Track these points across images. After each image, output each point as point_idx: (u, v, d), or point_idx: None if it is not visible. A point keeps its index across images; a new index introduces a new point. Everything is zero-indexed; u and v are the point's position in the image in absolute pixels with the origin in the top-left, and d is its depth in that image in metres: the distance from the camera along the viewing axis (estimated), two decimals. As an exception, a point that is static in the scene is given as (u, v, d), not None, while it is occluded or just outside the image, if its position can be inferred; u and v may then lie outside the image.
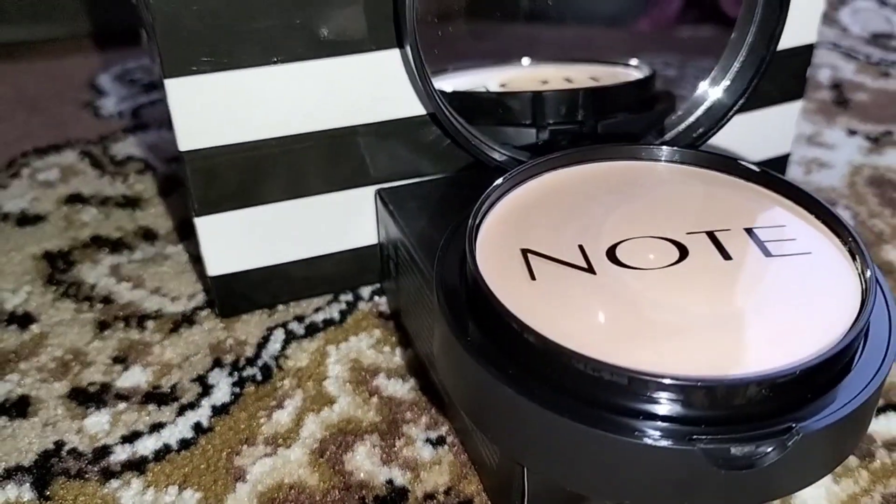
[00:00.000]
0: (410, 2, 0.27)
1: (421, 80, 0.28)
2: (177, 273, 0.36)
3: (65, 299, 0.34)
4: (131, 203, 0.40)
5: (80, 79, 0.52)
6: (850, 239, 0.23)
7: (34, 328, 0.33)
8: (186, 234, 0.38)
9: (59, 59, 0.55)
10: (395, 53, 0.29)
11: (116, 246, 0.38)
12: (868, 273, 0.22)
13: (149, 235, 0.38)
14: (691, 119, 0.30)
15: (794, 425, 0.19)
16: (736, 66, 0.30)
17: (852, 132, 0.46)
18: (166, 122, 0.46)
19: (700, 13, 0.34)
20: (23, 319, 0.33)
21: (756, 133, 0.37)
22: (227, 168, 0.29)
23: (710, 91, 0.31)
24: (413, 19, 0.27)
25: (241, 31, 0.27)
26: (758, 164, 0.33)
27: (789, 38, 0.35)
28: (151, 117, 0.48)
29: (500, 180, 0.27)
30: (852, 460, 0.27)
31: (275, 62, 0.28)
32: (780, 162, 0.39)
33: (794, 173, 0.42)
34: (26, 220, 0.39)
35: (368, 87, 0.30)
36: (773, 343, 0.21)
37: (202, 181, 0.29)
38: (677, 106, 0.32)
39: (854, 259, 0.23)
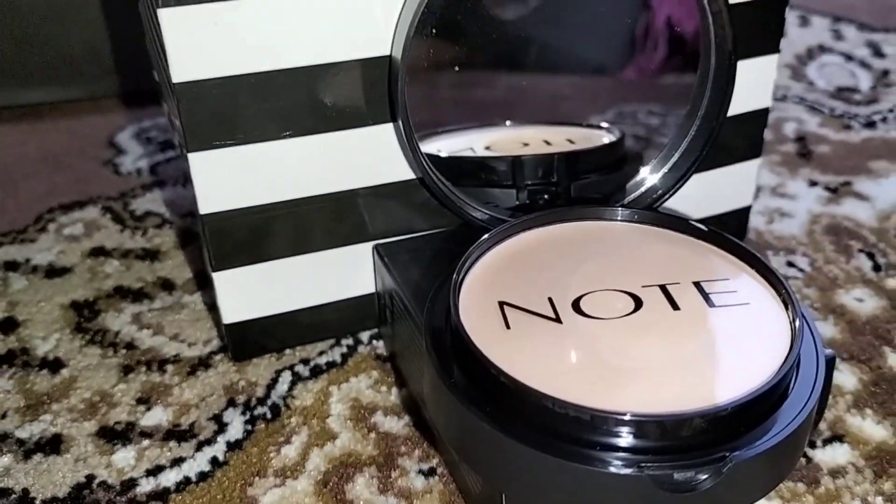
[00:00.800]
0: (402, 85, 0.31)
1: (411, 151, 0.32)
2: (193, 320, 0.39)
3: (91, 345, 0.38)
4: (150, 255, 0.44)
5: (100, 137, 0.56)
6: (783, 291, 0.27)
7: (64, 372, 0.36)
8: (202, 285, 0.42)
9: (80, 118, 0.59)
10: (389, 127, 0.33)
11: (137, 296, 0.41)
12: (797, 322, 0.25)
13: (167, 285, 0.42)
14: (653, 182, 0.34)
15: (727, 454, 0.23)
16: (691, 133, 0.33)
17: (813, 183, 0.49)
18: (181, 179, 0.50)
19: (682, 62, 0.37)
20: (53, 364, 0.37)
21: (718, 188, 0.41)
22: (242, 228, 0.33)
23: (669, 157, 0.34)
24: (404, 100, 0.31)
25: (257, 111, 0.31)
26: (720, 215, 0.37)
27: (746, 104, 0.39)
28: (167, 174, 0.51)
29: (483, 237, 0.30)
30: (800, 486, 0.30)
31: (286, 136, 0.32)
32: (743, 213, 0.43)
33: (756, 223, 0.45)
34: (54, 271, 0.43)
35: (367, 155, 0.33)
36: (715, 383, 0.25)
37: (219, 240, 0.33)
38: (642, 167, 0.36)
39: (787, 308, 0.27)
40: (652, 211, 0.31)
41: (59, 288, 0.42)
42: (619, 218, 0.31)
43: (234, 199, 0.32)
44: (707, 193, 0.40)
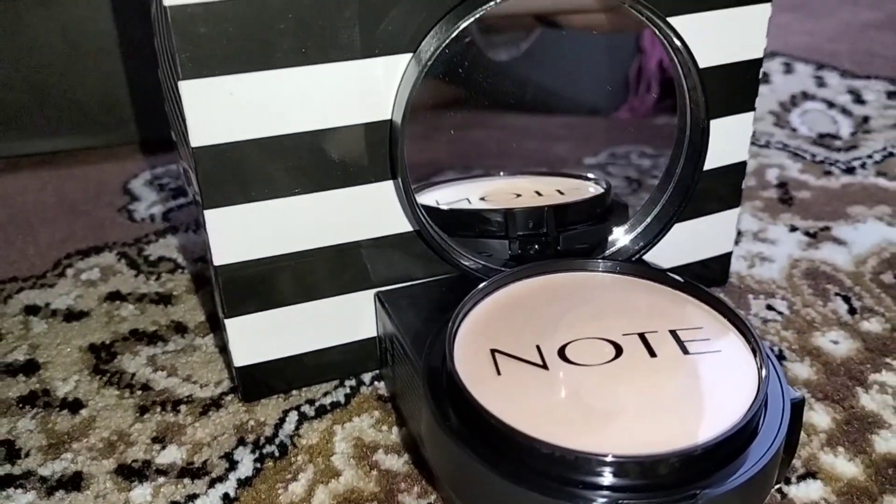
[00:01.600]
0: (401, 147, 0.33)
1: (409, 206, 0.34)
2: (205, 362, 0.42)
3: (109, 387, 0.40)
4: (164, 299, 0.46)
5: (114, 184, 0.59)
6: (751, 339, 0.29)
7: (83, 413, 0.39)
8: (213, 328, 0.44)
9: (95, 165, 0.62)
10: (389, 183, 0.36)
11: (152, 338, 0.43)
12: (763, 372, 0.28)
13: (180, 328, 0.44)
14: (633, 236, 0.37)
15: (699, 491, 0.25)
16: (667, 193, 0.36)
17: (794, 228, 0.52)
18: (193, 225, 0.53)
19: (671, 106, 0.40)
20: (73, 405, 0.39)
21: (700, 236, 0.43)
22: (253, 278, 0.36)
23: (647, 213, 0.37)
24: (403, 160, 0.34)
25: (269, 171, 0.33)
26: (704, 261, 0.39)
27: (724, 158, 0.42)
28: (179, 220, 0.54)
29: (477, 288, 0.33)
30: (774, 520, 0.32)
31: (295, 193, 0.34)
32: (724, 259, 0.45)
33: (738, 267, 0.48)
34: (72, 315, 0.45)
35: (369, 209, 0.36)
36: (688, 426, 0.27)
37: (231, 289, 0.36)
38: (623, 224, 0.39)
39: (755, 356, 0.29)
40: (632, 263, 0.33)
41: (78, 331, 0.44)
42: (601, 269, 0.33)
43: (246, 251, 0.35)
44: (690, 241, 0.43)
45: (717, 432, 0.26)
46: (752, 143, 0.64)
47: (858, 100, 0.71)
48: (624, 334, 0.30)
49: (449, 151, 0.40)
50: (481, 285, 0.32)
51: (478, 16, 0.31)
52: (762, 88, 0.74)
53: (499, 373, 0.28)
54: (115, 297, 0.47)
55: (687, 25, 0.37)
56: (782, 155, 0.62)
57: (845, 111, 0.69)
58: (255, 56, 0.31)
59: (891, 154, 0.61)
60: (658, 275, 0.33)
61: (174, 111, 0.36)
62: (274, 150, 0.33)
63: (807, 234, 0.51)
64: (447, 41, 0.31)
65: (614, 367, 0.29)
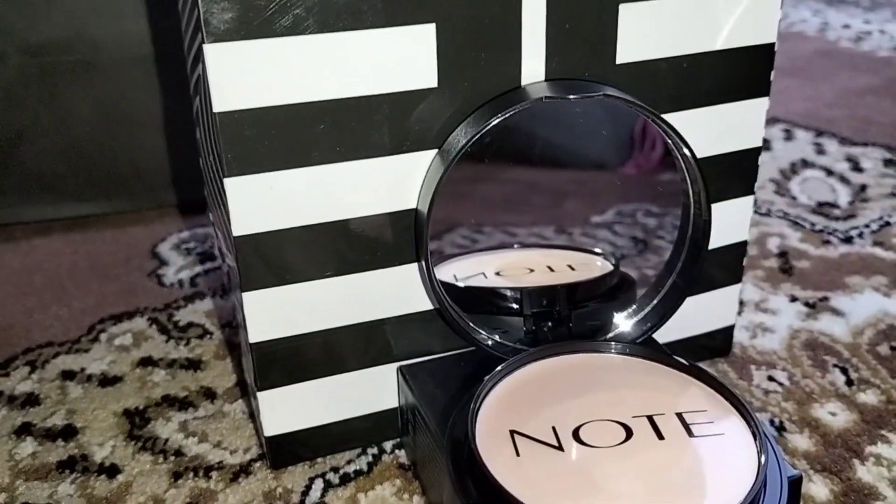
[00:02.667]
0: (426, 235, 0.36)
1: (431, 287, 0.37)
2: (234, 429, 0.44)
3: (144, 452, 0.42)
4: (194, 365, 0.49)
5: (143, 248, 0.62)
6: (752, 423, 0.31)
7: (120, 478, 0.41)
8: (240, 394, 0.46)
9: (123, 229, 0.65)
10: (413, 266, 0.38)
11: (183, 404, 0.46)
12: (763, 458, 0.30)
13: (209, 394, 0.46)
14: (640, 317, 0.39)
15: (703, 569, 0.27)
16: (671, 280, 0.39)
17: (794, 298, 0.54)
18: (219, 291, 0.55)
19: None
20: (110, 470, 0.41)
21: (704, 310, 0.46)
22: (284, 354, 0.38)
23: (654, 296, 0.40)
24: (426, 246, 0.36)
25: (303, 256, 0.36)
26: (708, 333, 0.41)
27: (725, 238, 0.44)
28: (207, 286, 0.57)
29: (497, 369, 0.35)
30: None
31: (327, 276, 0.37)
32: (727, 331, 0.48)
33: (740, 337, 0.50)
34: (107, 380, 0.48)
35: (394, 289, 0.39)
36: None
37: (264, 364, 0.38)
38: (627, 308, 0.41)
39: (755, 439, 0.31)
40: (641, 345, 0.36)
41: (113, 396, 0.47)
42: (613, 351, 0.36)
43: (279, 329, 0.37)
44: (694, 315, 0.45)
45: (722, 512, 0.28)
46: (754, 212, 0.66)
47: (856, 167, 0.74)
48: (634, 416, 0.32)
49: (465, 227, 0.42)
50: (500, 367, 0.35)
51: (501, 119, 0.34)
52: (763, 156, 0.77)
53: (517, 453, 0.31)
54: (147, 362, 0.49)
55: (690, 119, 0.40)
56: (783, 223, 0.64)
57: (843, 179, 0.72)
58: (295, 155, 0.34)
59: (887, 223, 0.64)
60: (665, 358, 0.35)
61: (213, 189, 0.39)
62: (309, 238, 0.36)
63: (806, 304, 0.54)
64: (472, 141, 0.34)
65: (625, 448, 0.31)
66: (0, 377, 0.48)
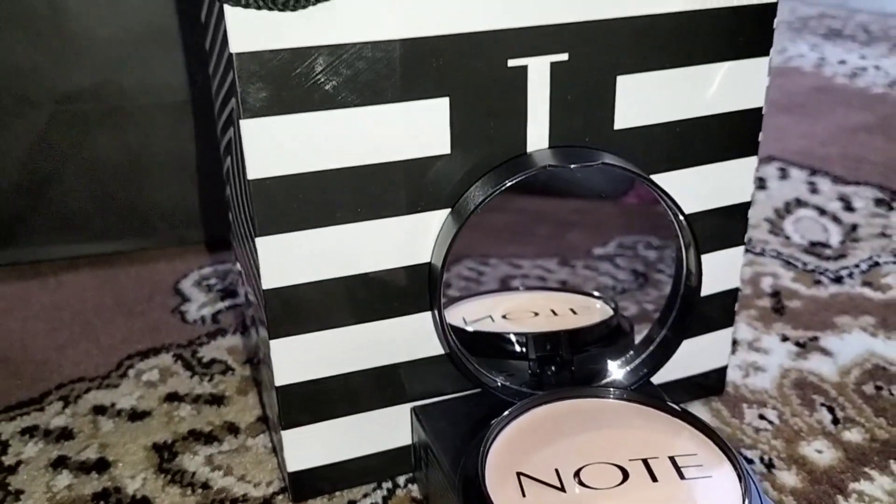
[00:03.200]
0: (440, 288, 0.39)
1: (442, 334, 0.40)
2: (256, 462, 0.47)
3: (173, 485, 0.45)
4: (217, 400, 0.52)
5: (166, 284, 0.65)
6: (738, 467, 0.34)
7: (151, 509, 0.44)
8: (261, 429, 0.49)
9: (146, 265, 0.68)
10: (427, 314, 0.41)
11: (208, 438, 0.49)
12: (747, 501, 0.33)
13: (233, 429, 0.49)
14: (636, 363, 0.42)
15: None
16: (662, 334, 0.42)
17: (785, 338, 0.57)
18: (240, 328, 0.58)
19: None
20: (142, 502, 0.44)
21: (698, 352, 0.48)
22: (307, 395, 0.41)
23: (647, 346, 0.43)
24: (440, 297, 0.39)
25: (326, 307, 0.39)
26: (703, 373, 0.44)
27: (717, 285, 0.47)
28: (227, 322, 0.60)
29: (504, 413, 0.38)
30: None
31: (346, 324, 0.40)
32: (721, 371, 0.51)
33: (734, 376, 0.53)
34: (136, 415, 0.51)
35: (408, 336, 0.42)
36: (684, 543, 0.32)
37: (288, 405, 0.41)
38: (633, 340, 0.44)
39: (741, 481, 0.34)
40: (637, 391, 0.39)
41: (142, 430, 0.50)
42: (612, 397, 0.39)
43: (303, 373, 0.40)
44: (688, 357, 0.48)
45: (708, 551, 0.31)
46: (749, 251, 0.69)
47: (848, 207, 0.77)
48: (630, 459, 0.35)
49: (474, 273, 0.45)
50: (507, 412, 0.38)
51: (508, 185, 0.37)
52: (759, 195, 0.80)
53: (524, 494, 0.34)
54: (173, 397, 0.52)
55: (683, 177, 0.43)
56: (776, 263, 0.67)
57: (835, 219, 0.75)
58: (320, 216, 0.37)
59: (876, 263, 0.67)
60: (660, 403, 0.38)
61: (242, 241, 0.42)
62: (332, 290, 0.39)
63: (797, 343, 0.57)
64: (481, 205, 0.37)
65: (621, 490, 0.34)
66: (35, 411, 0.51)
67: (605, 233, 0.45)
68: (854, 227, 0.73)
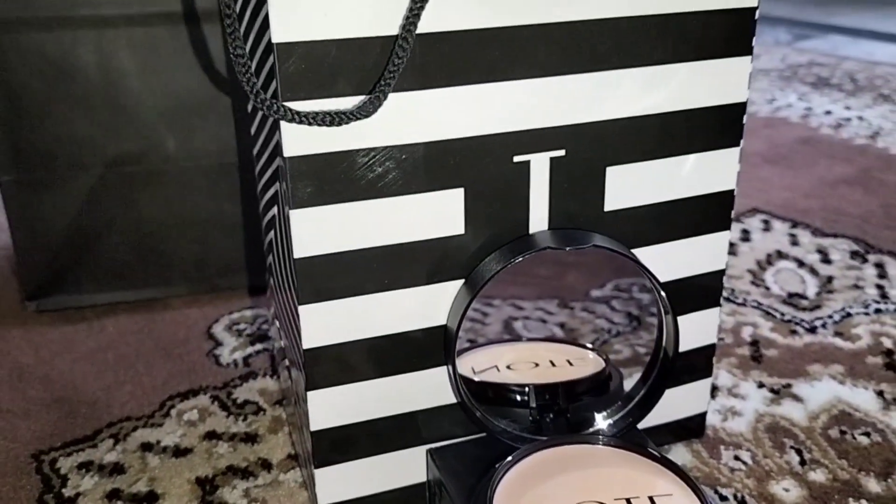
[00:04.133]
0: (454, 347, 0.45)
1: (455, 387, 0.46)
2: (289, 495, 0.53)
3: (215, 515, 0.52)
4: (251, 439, 0.58)
5: (199, 329, 0.72)
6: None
7: (197, 536, 0.50)
8: (291, 465, 0.55)
9: (180, 311, 0.74)
10: (441, 368, 0.48)
11: (245, 473, 0.55)
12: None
13: (266, 465, 0.56)
14: (622, 413, 0.48)
15: None
16: (643, 391, 0.48)
17: (761, 385, 0.63)
18: (270, 371, 0.64)
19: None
20: (189, 530, 0.50)
21: (680, 401, 0.55)
22: (337, 438, 0.47)
23: (631, 399, 0.49)
24: (454, 356, 0.46)
25: (357, 363, 0.46)
26: (686, 418, 0.50)
27: (695, 342, 0.54)
28: (258, 365, 0.66)
29: (507, 459, 0.44)
30: None
31: (372, 378, 0.46)
32: (701, 417, 0.57)
33: (713, 420, 0.59)
34: (179, 451, 0.57)
35: (425, 388, 0.48)
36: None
37: (321, 447, 0.47)
38: (623, 390, 0.50)
39: (709, 518, 0.40)
40: (623, 439, 0.45)
41: (186, 465, 0.56)
42: (601, 443, 0.45)
43: (333, 419, 0.47)
44: (672, 403, 0.54)
45: (679, 578, 0.37)
46: (731, 301, 0.76)
47: (825, 259, 0.83)
48: (615, 499, 0.41)
49: (482, 326, 0.51)
50: (510, 457, 0.44)
51: (513, 262, 0.44)
52: (743, 246, 0.87)
53: (525, 529, 0.40)
54: (212, 435, 0.58)
55: (666, 249, 0.49)
56: (756, 313, 0.74)
57: (813, 270, 0.81)
58: (353, 287, 0.44)
59: (848, 314, 0.73)
60: (643, 450, 0.44)
61: (282, 300, 0.49)
62: (360, 349, 0.45)
63: (771, 390, 0.63)
64: (490, 279, 0.44)
65: (608, 525, 0.40)
66: (89, 448, 0.58)
67: (603, 277, 0.51)
68: (830, 279, 0.80)
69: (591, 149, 0.45)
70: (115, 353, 0.69)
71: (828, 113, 1.32)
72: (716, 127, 0.48)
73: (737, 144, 0.49)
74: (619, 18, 0.43)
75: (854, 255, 0.84)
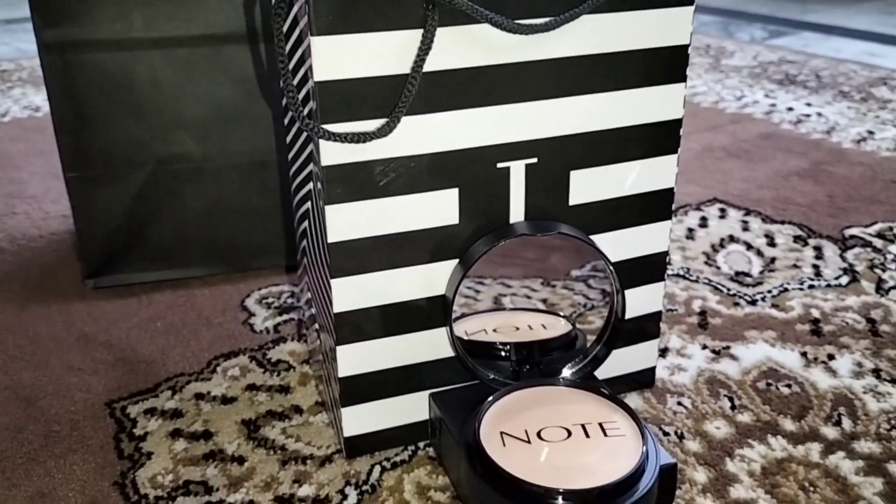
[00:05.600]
0: (450, 312, 0.58)
1: (452, 344, 0.59)
2: (318, 433, 0.66)
3: (259, 448, 0.64)
4: (284, 390, 0.71)
5: (234, 302, 0.84)
6: (643, 431, 0.53)
7: (246, 464, 0.63)
8: (319, 410, 0.68)
9: (217, 287, 0.87)
10: (441, 329, 0.61)
11: (281, 416, 0.68)
12: (643, 448, 0.52)
13: (298, 410, 0.68)
14: (582, 364, 0.61)
15: (605, 508, 0.49)
16: (598, 347, 0.61)
17: (705, 347, 0.76)
18: (296, 336, 0.77)
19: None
20: (239, 459, 0.63)
21: (634, 357, 0.68)
22: (358, 383, 0.60)
23: (589, 354, 0.62)
24: (451, 318, 0.58)
25: (375, 322, 0.58)
26: (639, 371, 0.63)
27: (646, 308, 0.67)
28: (286, 332, 0.79)
29: (490, 397, 0.57)
30: (663, 534, 0.56)
31: (386, 336, 0.59)
32: (651, 371, 0.70)
33: (662, 374, 0.72)
34: (226, 400, 0.70)
35: (429, 344, 0.61)
36: (605, 474, 0.51)
37: (346, 391, 0.60)
38: (586, 347, 0.63)
39: (643, 440, 0.53)
40: (581, 382, 0.58)
41: (232, 411, 0.69)
42: (563, 385, 0.58)
43: (356, 368, 0.59)
44: (627, 359, 0.67)
45: (618, 477, 0.50)
46: (686, 278, 0.89)
47: (771, 243, 0.96)
48: (573, 424, 0.54)
49: (475, 295, 0.64)
50: (492, 396, 0.57)
51: (496, 245, 0.56)
52: (699, 231, 1.00)
53: (504, 445, 0.53)
54: (252, 387, 0.71)
55: (617, 236, 0.62)
56: (706, 289, 0.87)
57: (759, 253, 0.94)
58: (372, 264, 0.56)
59: (785, 289, 0.86)
60: (595, 390, 0.57)
61: (314, 275, 0.61)
62: (379, 313, 0.58)
63: (713, 351, 0.76)
64: (478, 259, 0.57)
65: (567, 443, 0.53)
66: (152, 398, 0.71)
67: (581, 259, 0.64)
68: (773, 260, 0.93)
69: (557, 157, 0.58)
70: (164, 323, 0.81)
71: (790, 109, 1.44)
72: (657, 139, 0.61)
73: (674, 152, 0.62)
74: (579, 56, 0.56)
75: (797, 239, 0.97)
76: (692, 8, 0.58)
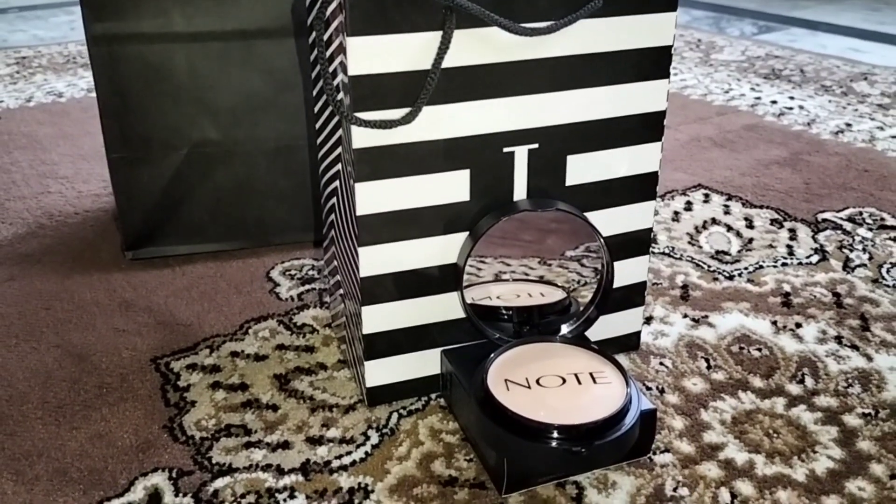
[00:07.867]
0: (462, 279, 0.67)
1: (464, 306, 0.68)
2: (342, 386, 0.74)
3: (290, 398, 0.73)
4: (309, 349, 0.80)
5: (260, 273, 0.93)
6: (627, 380, 0.62)
7: (279, 412, 0.71)
8: (342, 367, 0.77)
9: (244, 259, 0.95)
10: (453, 294, 0.69)
11: (308, 372, 0.76)
12: (627, 390, 0.61)
13: (322, 366, 0.77)
14: (575, 325, 0.70)
15: (597, 441, 0.58)
16: (590, 309, 0.70)
17: (685, 315, 0.85)
18: (318, 304, 0.86)
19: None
20: (273, 407, 0.72)
21: (622, 322, 0.76)
22: (379, 340, 0.69)
23: (582, 316, 0.71)
24: (462, 284, 0.67)
25: (395, 287, 0.67)
26: (626, 335, 0.72)
27: (633, 278, 0.75)
28: (309, 300, 0.87)
29: (496, 351, 0.66)
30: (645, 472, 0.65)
31: (403, 298, 0.68)
32: (637, 335, 0.79)
33: (647, 339, 0.81)
34: (259, 358, 0.78)
35: (442, 306, 0.69)
36: (594, 413, 0.60)
37: (370, 346, 0.69)
38: (579, 310, 0.72)
39: (627, 386, 0.62)
40: (574, 338, 0.67)
41: (265, 366, 0.77)
42: (558, 341, 0.67)
43: (378, 326, 0.68)
44: (616, 324, 0.76)
45: (605, 415, 0.59)
46: (671, 256, 0.97)
47: (750, 225, 1.05)
48: (567, 373, 0.63)
49: (483, 264, 0.73)
50: (496, 351, 0.66)
51: (502, 221, 0.65)
52: (685, 214, 1.08)
53: (508, 389, 0.62)
54: (281, 347, 0.80)
55: (608, 213, 0.71)
56: (689, 266, 0.95)
57: (738, 234, 1.03)
58: (394, 235, 0.65)
59: (760, 267, 0.95)
60: (586, 345, 0.66)
61: (342, 246, 0.70)
62: (400, 279, 0.67)
63: (693, 320, 0.85)
64: (486, 232, 0.65)
65: (562, 389, 0.62)
66: (192, 355, 0.79)
67: (575, 240, 0.73)
68: (750, 241, 1.01)
69: (556, 143, 0.66)
70: (197, 291, 0.90)
71: (774, 102, 1.53)
72: (644, 128, 0.69)
73: (659, 140, 0.70)
74: (576, 55, 0.64)
75: (773, 222, 1.06)
76: (675, 14, 0.66)
